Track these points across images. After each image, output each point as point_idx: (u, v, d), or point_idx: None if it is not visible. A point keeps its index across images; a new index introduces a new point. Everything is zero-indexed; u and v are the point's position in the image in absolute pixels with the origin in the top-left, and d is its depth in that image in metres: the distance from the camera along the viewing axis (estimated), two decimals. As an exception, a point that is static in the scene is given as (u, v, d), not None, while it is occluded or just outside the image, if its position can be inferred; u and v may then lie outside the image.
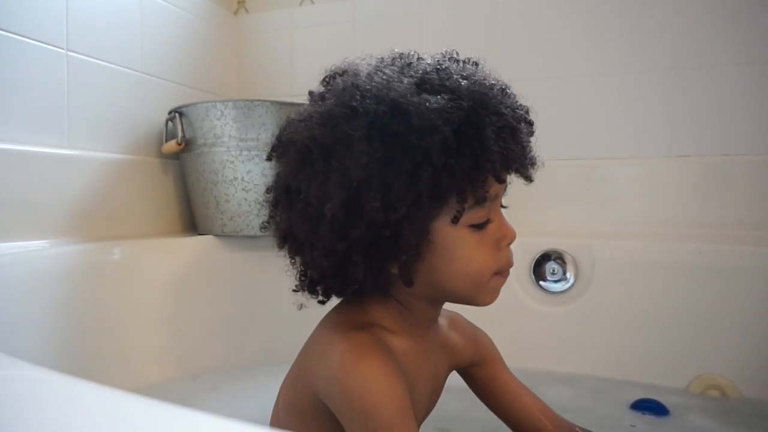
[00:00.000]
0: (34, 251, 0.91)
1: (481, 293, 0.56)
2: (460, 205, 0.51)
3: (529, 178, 0.55)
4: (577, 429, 0.71)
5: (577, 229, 1.29)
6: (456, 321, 0.69)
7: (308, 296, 0.58)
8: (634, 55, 1.29)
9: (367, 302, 0.58)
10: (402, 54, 0.57)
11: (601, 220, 1.29)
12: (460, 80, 0.52)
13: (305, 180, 0.52)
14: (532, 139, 0.56)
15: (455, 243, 0.53)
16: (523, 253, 1.16)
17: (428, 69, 0.53)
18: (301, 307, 0.58)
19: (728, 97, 1.22)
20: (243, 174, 1.17)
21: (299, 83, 1.56)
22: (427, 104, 0.49)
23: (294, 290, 0.58)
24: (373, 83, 0.51)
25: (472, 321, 0.72)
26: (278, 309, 1.23)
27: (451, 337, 0.67)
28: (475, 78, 0.53)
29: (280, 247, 0.57)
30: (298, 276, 0.58)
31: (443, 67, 0.54)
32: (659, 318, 1.07)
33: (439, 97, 0.50)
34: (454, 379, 0.70)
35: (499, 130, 0.51)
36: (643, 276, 1.10)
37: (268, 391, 0.97)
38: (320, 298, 0.58)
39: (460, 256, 0.54)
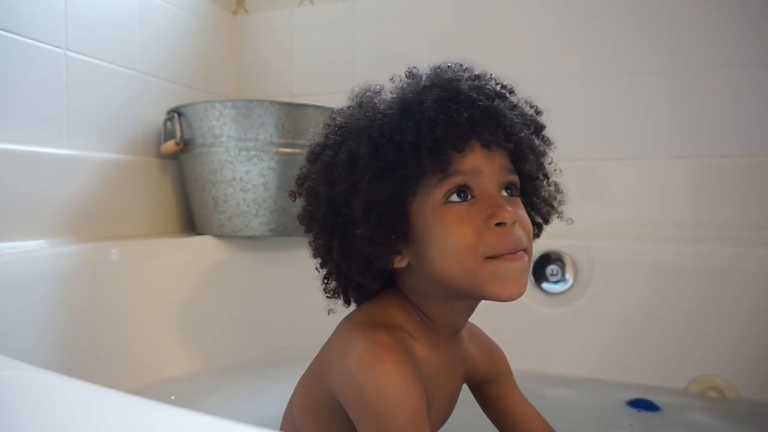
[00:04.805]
0: (32, 251, 0.91)
1: (479, 281, 0.51)
2: (417, 177, 0.51)
3: (503, 146, 0.52)
4: None
5: (576, 230, 1.28)
6: (475, 334, 0.68)
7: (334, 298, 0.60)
8: (632, 57, 1.29)
9: (390, 306, 0.57)
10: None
11: (600, 221, 1.28)
12: (429, 73, 0.56)
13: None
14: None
15: (433, 222, 0.52)
16: (522, 254, 1.16)
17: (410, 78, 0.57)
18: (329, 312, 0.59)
19: (727, 98, 1.22)
20: (242, 174, 1.16)
21: (298, 83, 1.56)
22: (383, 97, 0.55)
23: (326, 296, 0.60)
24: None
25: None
26: (276, 309, 1.23)
27: (471, 350, 0.65)
28: (438, 68, 0.56)
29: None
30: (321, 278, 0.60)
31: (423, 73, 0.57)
32: (658, 319, 1.07)
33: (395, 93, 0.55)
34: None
35: (443, 100, 0.50)
36: (641, 277, 1.10)
37: (266, 391, 0.97)
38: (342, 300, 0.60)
39: (436, 235, 0.51)
